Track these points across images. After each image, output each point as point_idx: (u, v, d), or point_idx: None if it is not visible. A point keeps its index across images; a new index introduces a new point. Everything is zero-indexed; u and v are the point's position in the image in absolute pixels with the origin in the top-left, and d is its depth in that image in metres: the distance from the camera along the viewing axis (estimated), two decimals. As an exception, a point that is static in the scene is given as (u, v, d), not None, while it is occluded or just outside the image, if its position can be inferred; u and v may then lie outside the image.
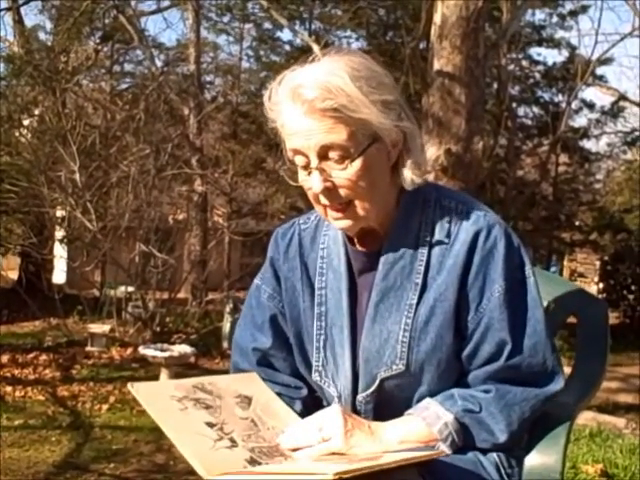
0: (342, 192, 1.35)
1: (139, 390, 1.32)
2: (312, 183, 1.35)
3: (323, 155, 1.33)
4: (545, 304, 1.59)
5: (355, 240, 1.47)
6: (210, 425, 1.31)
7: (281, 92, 1.36)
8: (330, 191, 1.35)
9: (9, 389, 6.98)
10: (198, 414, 1.32)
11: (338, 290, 1.46)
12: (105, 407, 6.44)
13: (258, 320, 1.56)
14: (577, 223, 20.50)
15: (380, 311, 1.41)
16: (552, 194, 19.42)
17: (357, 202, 1.36)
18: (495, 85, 16.38)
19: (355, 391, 1.43)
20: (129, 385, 1.32)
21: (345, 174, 1.34)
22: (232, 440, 1.30)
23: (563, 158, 19.58)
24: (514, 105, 18.36)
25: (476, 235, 1.39)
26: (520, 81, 18.69)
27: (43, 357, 8.57)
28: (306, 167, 1.36)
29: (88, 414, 6.33)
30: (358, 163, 1.33)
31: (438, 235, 1.41)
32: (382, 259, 1.42)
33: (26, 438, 5.51)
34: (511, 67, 16.57)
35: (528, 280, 1.41)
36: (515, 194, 16.75)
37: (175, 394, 1.34)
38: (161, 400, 1.32)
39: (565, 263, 21.79)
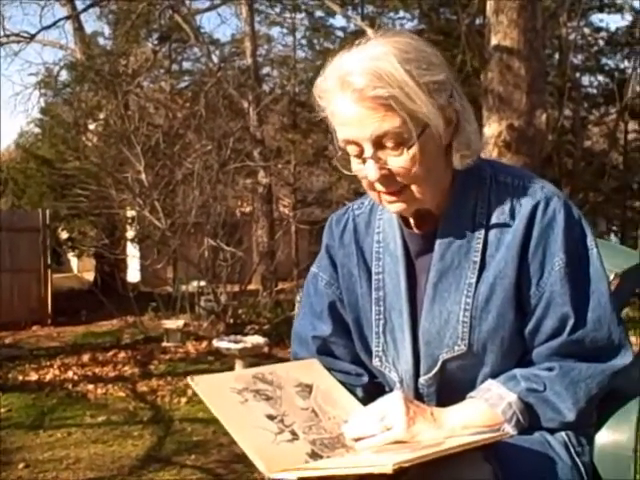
0: (399, 179, 1.33)
1: (199, 384, 1.32)
2: (367, 172, 1.33)
3: (378, 143, 1.31)
4: (611, 277, 1.54)
5: (411, 222, 1.45)
6: (271, 417, 1.31)
7: (329, 80, 1.33)
8: (386, 178, 1.33)
9: (91, 387, 7.19)
10: (258, 406, 1.32)
11: (396, 274, 1.44)
12: (184, 400, 6.57)
13: (317, 308, 1.55)
14: (651, 191, 19.89)
15: (439, 292, 1.39)
16: (622, 163, 18.87)
17: (413, 187, 1.34)
18: (557, 56, 15.99)
19: (417, 375, 1.42)
20: (189, 379, 1.33)
21: (401, 161, 1.32)
22: (293, 433, 1.29)
23: (632, 125, 18.99)
24: (578, 75, 17.89)
25: (534, 209, 1.36)
26: (583, 50, 18.18)
27: (122, 354, 8.78)
28: (359, 156, 1.34)
29: (167, 408, 6.47)
30: (414, 149, 1.31)
31: (495, 212, 1.38)
32: (438, 240, 1.40)
33: (109, 434, 5.67)
34: (572, 36, 16.13)
35: (590, 252, 1.37)
36: (584, 165, 16.33)
37: (235, 386, 1.34)
38: (221, 393, 1.32)
39: (640, 233, 21.15)
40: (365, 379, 1.52)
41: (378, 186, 1.35)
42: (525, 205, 1.37)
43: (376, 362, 1.47)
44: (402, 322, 1.43)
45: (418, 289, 1.43)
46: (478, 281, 1.37)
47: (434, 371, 1.40)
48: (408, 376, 1.43)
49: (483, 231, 1.38)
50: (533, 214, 1.36)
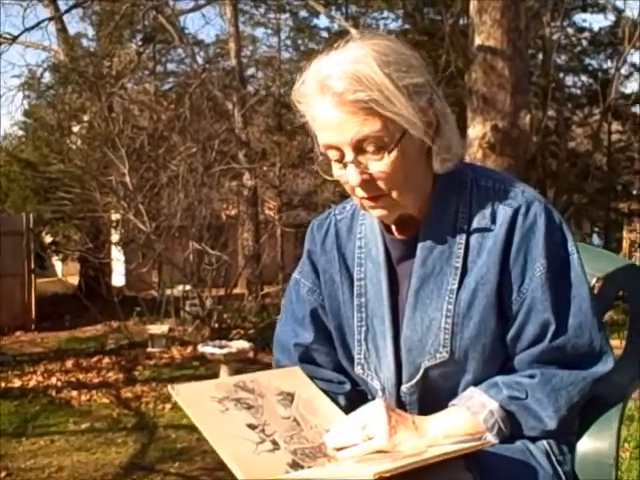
0: (380, 183, 1.32)
1: (180, 393, 1.30)
2: (348, 177, 1.32)
3: (358, 148, 1.29)
4: (594, 281, 1.53)
5: (393, 228, 1.44)
6: (252, 427, 1.29)
7: (309, 84, 1.32)
8: (368, 183, 1.32)
9: (75, 393, 7.12)
10: (239, 415, 1.30)
11: (377, 280, 1.43)
12: (168, 407, 6.51)
13: (299, 315, 1.53)
14: (634, 192, 20.01)
15: (421, 298, 1.37)
16: (606, 164, 18.99)
17: (394, 192, 1.33)
18: (540, 56, 16.07)
19: (399, 382, 1.40)
20: (169, 388, 1.31)
21: (382, 165, 1.30)
22: (274, 442, 1.27)
23: (616, 126, 19.11)
24: (561, 75, 18.00)
25: (515, 213, 1.35)
26: (566, 50, 18.29)
27: (106, 360, 8.70)
28: (340, 160, 1.32)
29: (152, 414, 6.42)
30: (395, 153, 1.29)
31: (477, 217, 1.37)
32: (420, 245, 1.38)
33: (93, 441, 5.62)
34: (556, 36, 16.20)
35: (571, 257, 1.36)
36: (568, 167, 16.40)
37: (216, 395, 1.32)
38: (202, 402, 1.30)
39: (624, 234, 21.28)
40: (347, 387, 1.50)
41: (359, 192, 1.34)
42: (506, 210, 1.36)
43: (358, 370, 1.45)
44: (384, 329, 1.41)
45: (400, 296, 1.41)
46: (460, 287, 1.35)
47: (416, 379, 1.38)
48: (390, 384, 1.41)
49: (464, 236, 1.37)
50: (514, 219, 1.35)
